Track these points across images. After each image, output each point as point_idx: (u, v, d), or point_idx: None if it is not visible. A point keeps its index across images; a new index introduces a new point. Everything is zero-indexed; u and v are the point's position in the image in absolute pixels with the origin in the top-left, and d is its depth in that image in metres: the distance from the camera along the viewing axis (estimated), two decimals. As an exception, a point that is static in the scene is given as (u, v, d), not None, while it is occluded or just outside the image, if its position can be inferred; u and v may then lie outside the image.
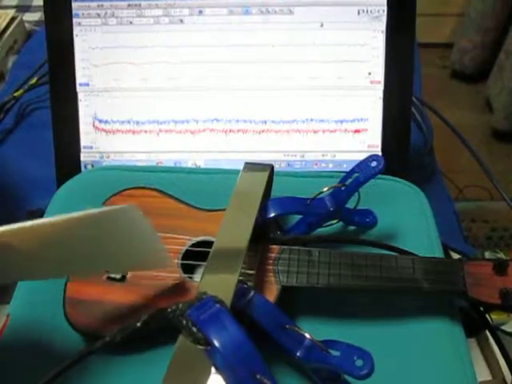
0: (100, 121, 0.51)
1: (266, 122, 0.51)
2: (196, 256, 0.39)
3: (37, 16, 0.83)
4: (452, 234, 0.58)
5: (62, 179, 0.49)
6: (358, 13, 0.49)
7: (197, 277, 0.39)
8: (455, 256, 0.56)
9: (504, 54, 1.47)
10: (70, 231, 0.30)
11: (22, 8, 0.84)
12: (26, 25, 0.82)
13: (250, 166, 0.42)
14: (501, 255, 0.94)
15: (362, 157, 0.41)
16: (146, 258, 0.37)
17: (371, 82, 0.50)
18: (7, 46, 0.77)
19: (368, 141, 0.51)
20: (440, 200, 0.60)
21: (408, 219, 0.45)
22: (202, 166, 0.52)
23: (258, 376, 0.26)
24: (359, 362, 0.29)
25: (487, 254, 0.92)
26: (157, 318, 0.30)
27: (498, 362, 0.54)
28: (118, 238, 0.33)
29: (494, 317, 0.59)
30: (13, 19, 0.79)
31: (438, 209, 0.47)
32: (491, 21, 1.52)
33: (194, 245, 0.40)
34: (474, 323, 0.42)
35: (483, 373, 0.54)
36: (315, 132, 0.51)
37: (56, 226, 0.30)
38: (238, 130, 0.51)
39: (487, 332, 0.51)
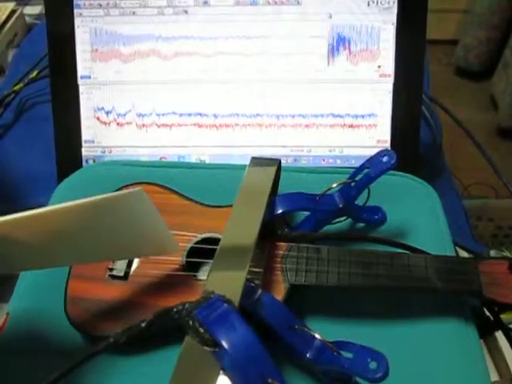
0: (102, 114, 0.50)
1: (272, 116, 0.50)
2: (201, 253, 0.38)
3: (37, 9, 0.83)
4: (461, 232, 0.57)
5: (62, 174, 0.48)
6: (368, 4, 0.48)
7: (203, 275, 0.38)
8: (463, 254, 0.55)
9: (509, 51, 1.46)
10: (75, 218, 0.30)
11: (22, 1, 0.83)
12: (27, 18, 0.81)
13: (257, 161, 0.41)
14: (506, 254, 0.93)
15: (370, 152, 0.40)
16: (152, 243, 0.36)
17: (381, 76, 0.49)
18: (7, 40, 0.76)
19: (377, 136, 0.50)
20: (449, 197, 0.59)
21: (419, 217, 0.44)
22: (207, 161, 0.51)
23: (270, 380, 0.25)
24: (373, 365, 0.28)
25: (492, 253, 0.91)
26: (162, 318, 0.29)
27: (505, 362, 0.53)
28: (123, 224, 0.33)
29: (502, 316, 0.58)
30: (13, 12, 0.78)
31: (447, 206, 0.46)
32: (496, 17, 1.51)
33: (199, 242, 0.39)
34: (485, 323, 0.41)
35: (491, 373, 0.53)
36: (323, 126, 0.50)
37: (60, 214, 0.29)
38: (244, 124, 0.50)
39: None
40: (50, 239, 0.30)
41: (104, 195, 0.30)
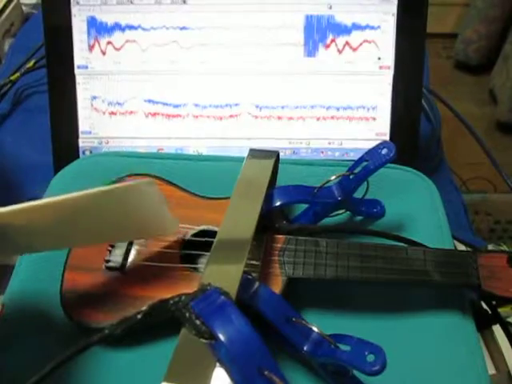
0: (99, 105, 0.50)
1: (270, 108, 0.49)
2: (198, 246, 0.38)
3: (34, -1, 0.82)
4: (460, 226, 0.57)
5: (59, 166, 0.47)
6: (368, -6, 0.47)
7: (199, 267, 0.38)
8: (461, 247, 0.55)
9: (509, 45, 1.45)
10: (87, 206, 0.31)
11: (19, -10, 0.82)
12: (23, 7, 0.80)
13: (255, 153, 0.40)
14: (504, 248, 0.93)
15: (369, 145, 0.40)
16: (155, 225, 0.37)
17: (380, 68, 0.49)
18: (3, 29, 0.75)
19: (376, 129, 0.50)
20: (447, 191, 0.59)
21: (418, 210, 0.43)
22: (205, 152, 0.50)
23: (266, 372, 0.24)
24: (370, 358, 0.28)
25: (490, 247, 0.91)
26: (158, 310, 0.28)
27: (502, 356, 0.53)
28: (132, 210, 0.34)
29: (499, 309, 0.58)
30: (9, 1, 0.77)
31: (446, 200, 0.46)
32: (497, 11, 1.50)
33: (196, 234, 0.39)
34: (482, 317, 0.41)
35: (488, 366, 0.53)
36: (321, 119, 0.49)
37: (72, 202, 0.30)
38: (242, 116, 0.49)
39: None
40: (59, 225, 0.31)
41: (115, 185, 0.32)
